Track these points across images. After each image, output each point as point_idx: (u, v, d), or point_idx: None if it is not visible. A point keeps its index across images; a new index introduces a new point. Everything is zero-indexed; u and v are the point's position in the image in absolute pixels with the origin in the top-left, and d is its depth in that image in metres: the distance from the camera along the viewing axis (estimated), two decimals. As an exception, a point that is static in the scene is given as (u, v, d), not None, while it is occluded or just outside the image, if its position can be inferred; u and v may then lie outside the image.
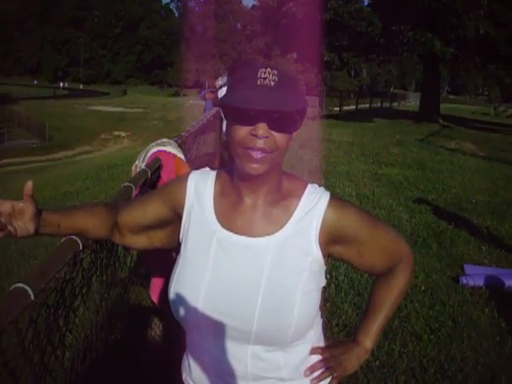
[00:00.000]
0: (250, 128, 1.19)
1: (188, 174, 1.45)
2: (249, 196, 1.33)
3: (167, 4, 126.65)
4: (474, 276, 4.85)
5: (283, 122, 1.20)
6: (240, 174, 1.30)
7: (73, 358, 1.98)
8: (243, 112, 1.18)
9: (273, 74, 1.19)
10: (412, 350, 3.58)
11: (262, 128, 1.18)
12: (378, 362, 3.38)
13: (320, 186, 1.39)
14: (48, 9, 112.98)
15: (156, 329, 3.54)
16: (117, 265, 2.53)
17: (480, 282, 4.76)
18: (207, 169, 1.47)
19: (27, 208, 1.21)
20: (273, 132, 1.20)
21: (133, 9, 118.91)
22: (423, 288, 4.64)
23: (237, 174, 1.32)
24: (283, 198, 1.33)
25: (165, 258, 2.31)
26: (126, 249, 2.31)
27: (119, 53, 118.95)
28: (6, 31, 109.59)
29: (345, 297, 4.36)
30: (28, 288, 1.15)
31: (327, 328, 3.80)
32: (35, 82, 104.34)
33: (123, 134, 40.07)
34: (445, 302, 4.39)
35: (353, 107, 34.66)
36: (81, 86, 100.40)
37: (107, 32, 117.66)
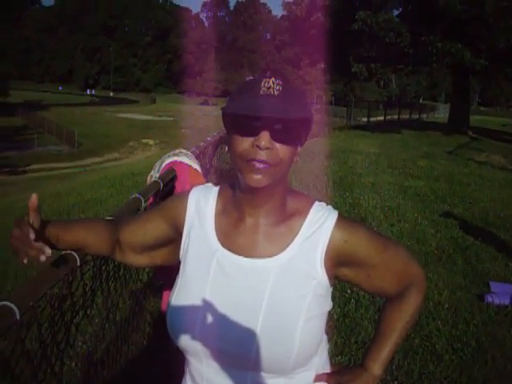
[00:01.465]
0: (252, 139, 1.12)
1: (189, 190, 1.39)
2: (251, 214, 1.26)
3: (197, 14, 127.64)
4: (500, 294, 4.70)
5: (287, 133, 1.13)
6: (242, 189, 1.23)
7: (75, 372, 1.93)
8: (245, 122, 1.11)
9: (277, 84, 1.13)
10: (433, 371, 3.47)
11: (264, 138, 1.11)
12: (396, 383, 3.28)
13: (327, 202, 1.31)
14: (80, 17, 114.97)
15: (170, 342, 3.49)
16: (127, 277, 2.48)
17: (506, 301, 4.61)
18: (210, 184, 1.41)
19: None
20: (276, 144, 1.13)
21: (163, 18, 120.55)
22: (446, 305, 4.51)
23: (239, 189, 1.25)
24: (288, 217, 1.26)
25: (176, 270, 2.26)
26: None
27: (149, 61, 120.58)
28: (40, 39, 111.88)
29: (365, 313, 4.25)
30: (14, 306, 1.10)
31: (345, 345, 3.70)
32: (60, 88, 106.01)
33: (151, 141, 40.42)
34: (468, 320, 4.26)
35: (381, 118, 34.40)
36: (111, 94, 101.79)
37: (138, 41, 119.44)
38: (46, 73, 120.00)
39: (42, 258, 1.10)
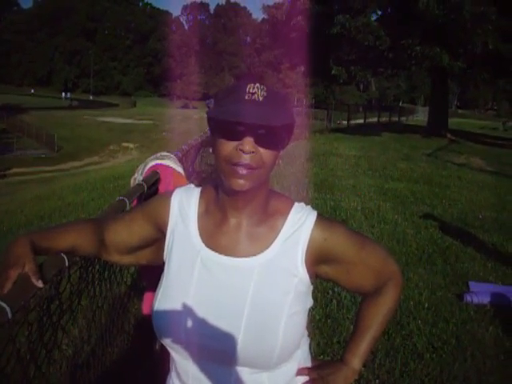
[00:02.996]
0: (236, 143, 1.16)
1: (172, 191, 1.42)
2: (233, 215, 1.30)
3: (177, 17, 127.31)
4: (479, 293, 4.78)
5: (270, 138, 1.18)
6: (225, 191, 1.27)
7: (62, 373, 1.94)
8: (230, 126, 1.15)
9: (261, 90, 1.17)
10: (414, 369, 3.52)
11: (248, 143, 1.15)
12: (378, 381, 3.33)
13: (307, 204, 1.36)
14: (59, 20, 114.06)
15: (155, 343, 3.50)
16: (112, 279, 2.50)
17: (485, 300, 4.69)
18: (192, 185, 1.44)
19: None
20: (259, 148, 1.17)
21: (143, 21, 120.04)
22: (427, 305, 4.58)
23: (222, 191, 1.29)
24: (269, 217, 1.30)
25: (160, 272, 2.28)
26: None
27: (129, 65, 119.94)
28: (18, 41, 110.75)
29: (346, 313, 4.30)
30: (5, 305, 1.11)
31: (327, 345, 3.75)
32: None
33: (131, 145, 40.22)
34: (448, 319, 4.33)
35: (361, 121, 34.60)
36: (90, 97, 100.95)
37: (118, 44, 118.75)
38: (24, 76, 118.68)
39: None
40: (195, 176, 5.41)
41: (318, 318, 4.16)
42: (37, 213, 8.47)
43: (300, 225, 1.29)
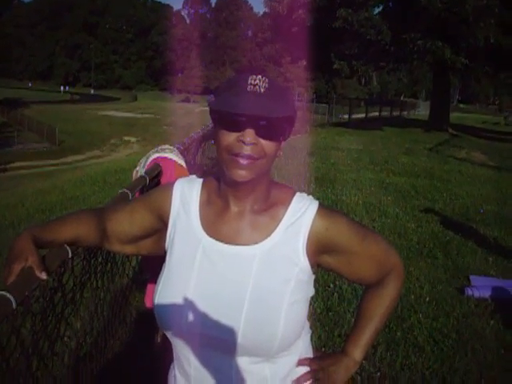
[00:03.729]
0: (237, 134, 1.17)
1: (174, 182, 1.42)
2: (235, 204, 1.31)
3: (178, 11, 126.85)
4: (480, 287, 4.79)
5: (271, 129, 1.19)
6: (227, 181, 1.28)
7: (65, 364, 1.95)
8: (231, 117, 1.16)
9: (263, 82, 1.18)
10: (414, 362, 3.53)
11: (249, 134, 1.16)
12: (379, 374, 3.34)
13: (308, 194, 1.37)
14: (60, 14, 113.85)
15: (156, 336, 3.52)
16: (114, 271, 2.51)
17: (486, 294, 4.70)
18: (194, 176, 1.45)
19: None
20: (260, 139, 1.18)
21: (144, 15, 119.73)
22: (428, 299, 4.59)
23: (223, 181, 1.30)
24: (270, 207, 1.31)
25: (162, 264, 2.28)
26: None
27: (130, 58, 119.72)
28: (19, 35, 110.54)
29: (348, 306, 4.31)
30: (10, 296, 1.12)
31: (329, 338, 3.76)
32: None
33: (133, 139, 40.15)
34: (449, 313, 4.34)
35: (362, 115, 34.56)
36: (92, 91, 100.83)
37: (119, 38, 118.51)
38: (25, 70, 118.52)
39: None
40: (196, 169, 5.42)
41: (319, 311, 4.17)
42: (38, 207, 8.47)
43: (301, 214, 1.29)
